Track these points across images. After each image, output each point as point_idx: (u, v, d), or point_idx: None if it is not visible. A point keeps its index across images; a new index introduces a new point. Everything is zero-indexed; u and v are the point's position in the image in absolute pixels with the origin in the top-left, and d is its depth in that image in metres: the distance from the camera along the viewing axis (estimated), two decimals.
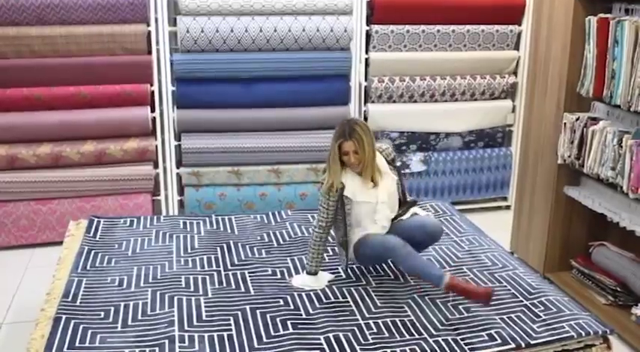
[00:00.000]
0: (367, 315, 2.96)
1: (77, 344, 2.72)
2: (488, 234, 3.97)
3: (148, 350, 2.67)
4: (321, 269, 3.25)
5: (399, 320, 2.93)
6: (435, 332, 2.83)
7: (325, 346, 2.73)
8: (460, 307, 3.03)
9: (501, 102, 5.49)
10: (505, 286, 3.23)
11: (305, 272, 3.23)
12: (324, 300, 3.11)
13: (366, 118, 5.24)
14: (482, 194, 5.59)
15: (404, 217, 3.18)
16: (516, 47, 5.44)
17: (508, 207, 5.63)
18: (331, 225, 3.17)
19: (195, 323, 2.87)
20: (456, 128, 5.39)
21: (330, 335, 2.81)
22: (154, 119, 4.90)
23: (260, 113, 5.00)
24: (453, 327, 2.87)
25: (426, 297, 3.11)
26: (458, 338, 2.77)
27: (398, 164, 3.28)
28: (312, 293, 3.16)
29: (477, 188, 5.56)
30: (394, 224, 3.21)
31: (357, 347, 2.72)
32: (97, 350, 2.68)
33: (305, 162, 5.09)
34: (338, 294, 3.15)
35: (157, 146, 4.94)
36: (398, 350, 2.71)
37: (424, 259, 3.08)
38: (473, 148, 5.52)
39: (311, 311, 3.00)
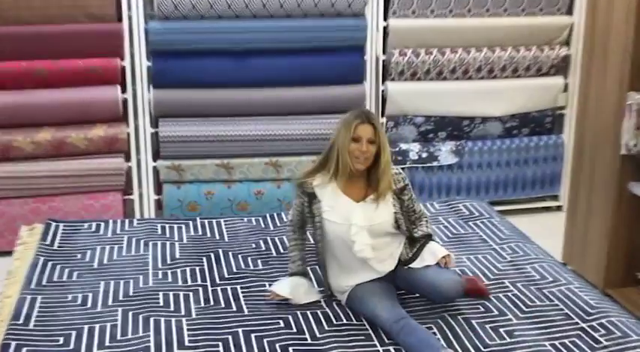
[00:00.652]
0: (387, 341, 2.94)
1: None
2: (536, 241, 3.94)
3: None
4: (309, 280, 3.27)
5: None
6: None
7: None
8: (501, 330, 3.01)
9: (550, 79, 5.48)
10: (557, 305, 3.21)
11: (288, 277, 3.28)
12: (335, 322, 3.08)
13: (384, 100, 5.23)
14: (528, 192, 5.58)
15: (413, 265, 3.13)
16: (569, 12, 5.40)
17: (559, 208, 5.63)
18: (300, 226, 3.26)
19: (175, 350, 2.85)
20: (494, 111, 5.38)
21: None
22: (125, 101, 4.89)
23: (255, 94, 4.99)
24: None
25: (459, 317, 3.09)
26: None
27: (406, 197, 3.16)
28: (319, 312, 3.14)
29: (521, 185, 5.54)
30: (402, 271, 3.16)
31: None
32: None
33: (310, 153, 5.08)
34: (351, 315, 3.13)
35: (128, 134, 4.95)
36: None
37: (423, 334, 2.89)
38: (515, 136, 5.52)
39: (318, 335, 2.98)
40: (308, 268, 3.31)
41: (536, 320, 3.10)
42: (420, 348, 2.80)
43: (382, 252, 3.15)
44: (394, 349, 2.88)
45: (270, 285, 3.33)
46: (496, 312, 3.15)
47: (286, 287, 3.19)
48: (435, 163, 5.31)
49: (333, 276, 3.22)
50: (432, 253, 3.12)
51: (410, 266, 3.12)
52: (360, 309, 3.09)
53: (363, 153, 3.02)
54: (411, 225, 3.20)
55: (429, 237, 3.18)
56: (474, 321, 3.08)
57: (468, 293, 3.19)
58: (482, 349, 2.89)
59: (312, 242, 3.31)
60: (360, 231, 3.07)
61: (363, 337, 2.97)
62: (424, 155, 5.33)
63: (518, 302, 3.25)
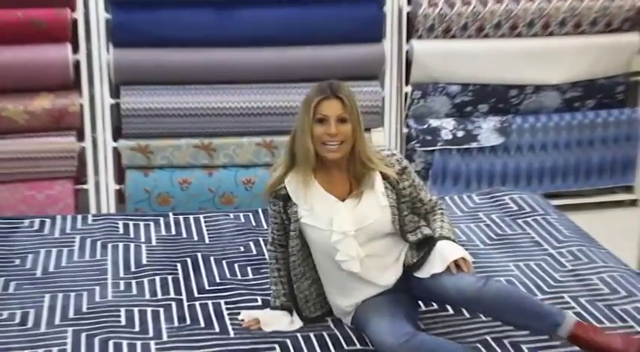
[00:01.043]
0: None
1: None
2: (604, 245, 3.93)
3: None
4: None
5: None
6: None
7: None
8: None
9: (623, 36, 5.47)
10: (632, 326, 3.18)
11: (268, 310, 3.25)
12: (346, 346, 3.07)
13: (409, 62, 5.22)
14: (594, 182, 5.59)
15: (419, 275, 3.08)
16: None
17: (634, 203, 5.64)
18: (281, 242, 3.21)
19: None
20: (550, 78, 5.37)
21: None
22: (77, 63, 4.89)
23: (243, 55, 5.00)
24: None
25: (505, 340, 3.07)
26: None
27: (405, 183, 3.10)
28: (325, 334, 3.12)
29: (585, 172, 5.55)
30: (414, 278, 3.13)
31: None
32: None
33: None
34: (365, 337, 3.10)
35: (82, 106, 4.94)
36: None
37: (435, 344, 2.90)
38: (577, 110, 5.52)
39: None
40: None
41: None
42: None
43: (383, 259, 3.11)
44: None
45: (263, 302, 3.33)
46: None
47: (266, 319, 3.18)
48: (474, 144, 5.31)
49: (330, 294, 3.20)
50: (442, 256, 3.03)
51: (415, 274, 3.07)
52: (365, 334, 3.07)
53: (332, 136, 2.97)
54: (420, 221, 3.16)
55: (431, 240, 3.09)
56: (524, 347, 3.05)
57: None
58: None
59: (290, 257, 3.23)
60: (344, 238, 3.02)
61: None
62: (460, 134, 5.31)
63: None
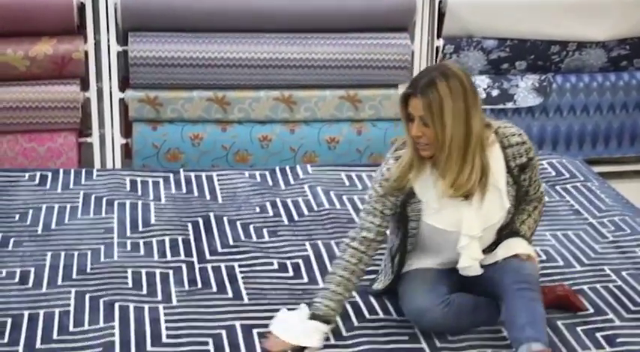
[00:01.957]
0: (439, 344, 2.96)
1: None
2: None
3: None
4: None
5: None
6: None
7: None
8: (598, 335, 3.00)
9: None
10: None
11: (306, 312, 2.99)
12: (368, 316, 3.09)
13: (441, 13, 5.20)
14: (638, 148, 5.59)
15: (499, 254, 3.07)
16: None
17: None
18: (377, 242, 3.06)
19: (149, 348, 2.87)
20: (595, 34, 5.35)
21: None
22: (81, 6, 4.88)
23: (265, 1, 4.98)
24: None
25: (559, 322, 3.08)
26: None
27: (526, 176, 3.04)
28: (347, 303, 3.13)
29: (629, 138, 5.55)
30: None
31: None
32: None
33: (337, 87, 5.10)
34: (390, 307, 3.15)
35: (86, 53, 4.94)
36: None
37: (473, 303, 3.04)
38: (624, 69, 5.51)
39: (344, 334, 2.99)
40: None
41: None
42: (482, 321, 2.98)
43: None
44: None
45: (280, 266, 3.36)
46: (592, 310, 3.15)
47: (302, 332, 2.93)
48: (510, 105, 5.30)
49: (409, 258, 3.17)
50: (508, 247, 3.07)
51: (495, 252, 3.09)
52: (401, 302, 3.10)
53: (416, 138, 2.88)
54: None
55: (515, 233, 3.11)
56: (560, 322, 3.08)
57: (553, 303, 3.15)
58: None
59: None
60: (472, 241, 3.01)
61: (406, 337, 2.98)
62: (495, 93, 5.30)
63: (622, 297, 3.23)
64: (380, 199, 2.98)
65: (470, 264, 3.02)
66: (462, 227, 2.98)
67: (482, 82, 5.29)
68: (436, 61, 5.26)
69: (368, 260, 3.02)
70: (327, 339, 2.95)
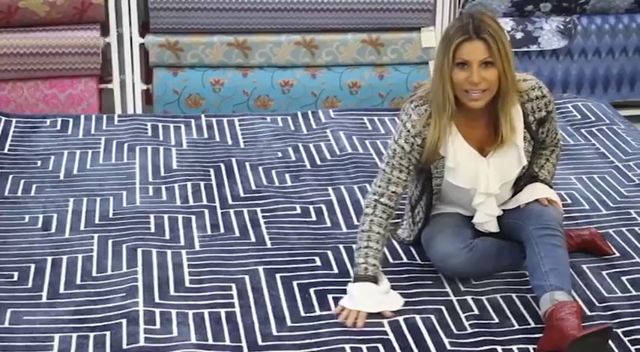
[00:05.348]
0: (463, 288, 2.97)
1: None
2: None
3: (92, 335, 2.68)
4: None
5: (518, 298, 2.93)
6: None
7: (391, 336, 2.73)
8: (624, 279, 3.00)
9: None
10: None
11: (352, 278, 2.95)
12: (391, 260, 3.11)
13: None
14: None
15: (506, 207, 3.07)
16: None
17: None
18: (399, 196, 3.01)
19: (172, 293, 2.90)
20: None
21: (400, 318, 2.81)
22: None
23: None
24: (610, 312, 2.85)
25: (584, 266, 3.08)
26: (619, 331, 2.74)
27: (544, 129, 3.02)
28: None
29: None
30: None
31: (445, 339, 2.72)
32: (7, 334, 2.68)
33: (360, 30, 5.08)
34: (413, 252, 3.16)
35: None
36: (514, 348, 2.68)
37: (496, 246, 3.05)
38: None
39: None
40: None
41: None
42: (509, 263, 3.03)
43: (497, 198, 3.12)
44: (472, 299, 2.91)
45: (302, 210, 3.37)
46: (617, 254, 3.15)
47: (369, 298, 2.87)
48: (534, 47, 5.24)
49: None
50: (530, 192, 3.05)
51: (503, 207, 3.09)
52: (426, 249, 3.09)
53: (474, 85, 2.82)
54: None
55: (535, 178, 3.09)
56: (585, 266, 3.08)
57: (580, 248, 3.15)
58: (597, 303, 2.89)
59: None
60: (488, 199, 3.00)
61: (430, 282, 3.00)
62: (519, 35, 5.24)
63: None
64: (406, 155, 2.94)
65: (485, 219, 3.03)
66: (479, 185, 2.96)
67: (505, 24, 5.22)
68: (459, 3, 5.21)
69: (394, 212, 3.00)
70: (349, 283, 2.94)
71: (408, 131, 2.91)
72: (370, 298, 2.85)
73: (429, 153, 2.92)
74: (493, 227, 3.05)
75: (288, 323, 2.77)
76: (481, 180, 2.96)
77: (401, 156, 2.94)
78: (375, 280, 2.88)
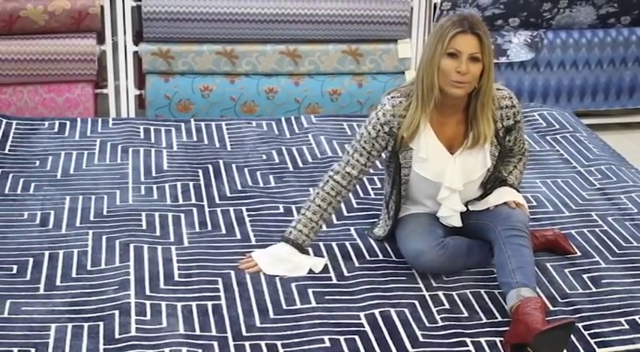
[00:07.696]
0: (434, 284, 2.98)
1: None
2: (634, 164, 3.93)
3: (87, 325, 2.69)
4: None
5: (486, 293, 2.94)
6: None
7: (367, 328, 2.73)
8: (585, 276, 3.02)
9: None
10: None
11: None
12: (368, 257, 3.11)
13: None
14: (624, 102, 5.54)
15: (475, 208, 3.10)
16: None
17: None
18: (358, 180, 3.07)
19: (162, 286, 2.89)
20: None
21: (376, 311, 2.81)
22: None
23: None
24: (572, 307, 2.86)
25: (548, 264, 3.10)
26: (580, 325, 2.76)
27: (512, 138, 3.06)
28: (348, 244, 3.17)
29: (616, 92, 5.50)
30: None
31: (418, 332, 2.73)
32: (6, 323, 2.69)
33: (340, 41, 5.09)
34: (389, 249, 3.16)
35: (102, 7, 4.91)
36: (482, 340, 2.69)
37: (467, 245, 3.06)
38: (612, 26, 5.45)
39: (346, 274, 3.01)
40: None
41: (630, 264, 3.11)
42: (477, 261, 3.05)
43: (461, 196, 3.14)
44: (444, 295, 2.92)
45: (285, 210, 3.36)
46: (579, 253, 3.17)
47: (279, 262, 3.00)
48: (503, 59, 5.26)
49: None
50: (499, 195, 3.09)
51: (471, 208, 3.11)
52: (400, 246, 3.11)
53: (461, 75, 2.84)
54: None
55: (504, 183, 3.13)
56: (549, 264, 3.10)
57: (543, 247, 3.18)
58: (560, 299, 2.90)
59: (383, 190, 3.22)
60: (452, 194, 3.03)
61: (404, 278, 3.00)
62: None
63: (607, 241, 3.25)
64: (371, 140, 3.00)
65: (449, 214, 3.06)
66: (444, 179, 3.00)
67: None
68: (434, 17, 5.22)
69: (346, 194, 3.07)
70: (330, 279, 2.96)
71: (378, 118, 2.97)
72: (271, 258, 3.00)
73: (400, 140, 2.96)
74: (456, 222, 3.07)
75: (271, 315, 2.78)
76: (447, 175, 3.00)
77: (365, 140, 3.00)
78: (293, 243, 3.00)
